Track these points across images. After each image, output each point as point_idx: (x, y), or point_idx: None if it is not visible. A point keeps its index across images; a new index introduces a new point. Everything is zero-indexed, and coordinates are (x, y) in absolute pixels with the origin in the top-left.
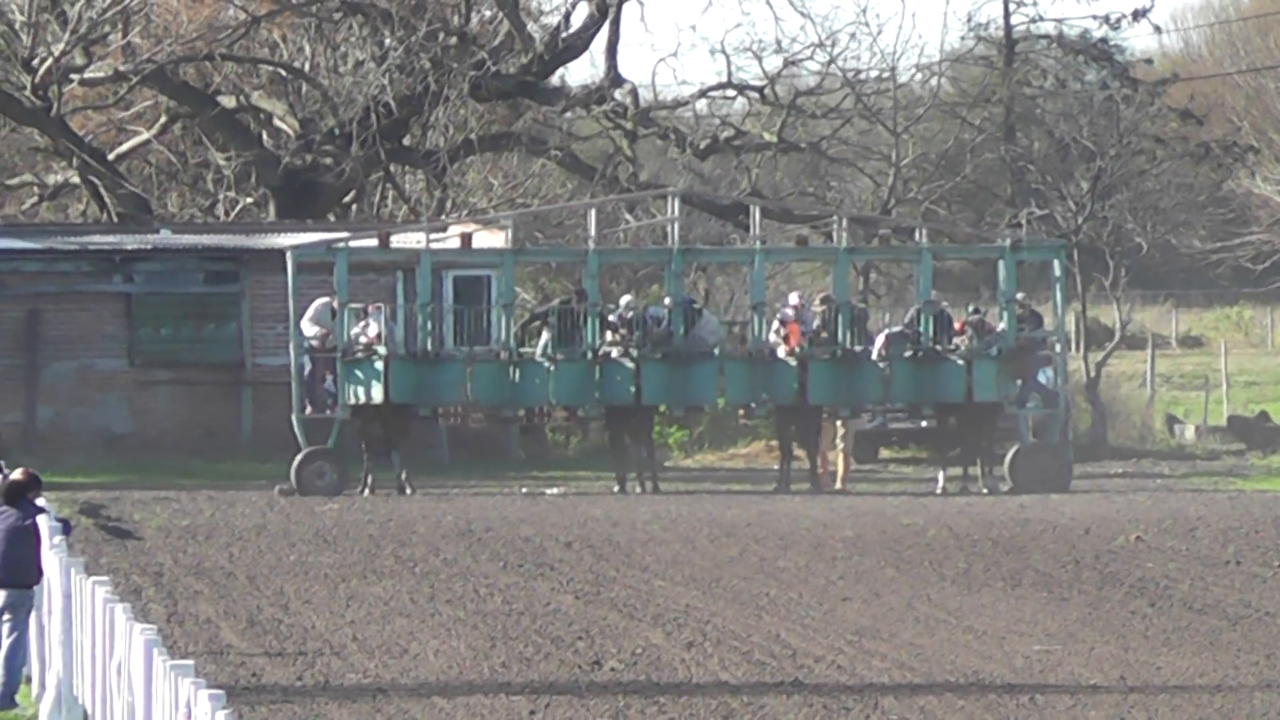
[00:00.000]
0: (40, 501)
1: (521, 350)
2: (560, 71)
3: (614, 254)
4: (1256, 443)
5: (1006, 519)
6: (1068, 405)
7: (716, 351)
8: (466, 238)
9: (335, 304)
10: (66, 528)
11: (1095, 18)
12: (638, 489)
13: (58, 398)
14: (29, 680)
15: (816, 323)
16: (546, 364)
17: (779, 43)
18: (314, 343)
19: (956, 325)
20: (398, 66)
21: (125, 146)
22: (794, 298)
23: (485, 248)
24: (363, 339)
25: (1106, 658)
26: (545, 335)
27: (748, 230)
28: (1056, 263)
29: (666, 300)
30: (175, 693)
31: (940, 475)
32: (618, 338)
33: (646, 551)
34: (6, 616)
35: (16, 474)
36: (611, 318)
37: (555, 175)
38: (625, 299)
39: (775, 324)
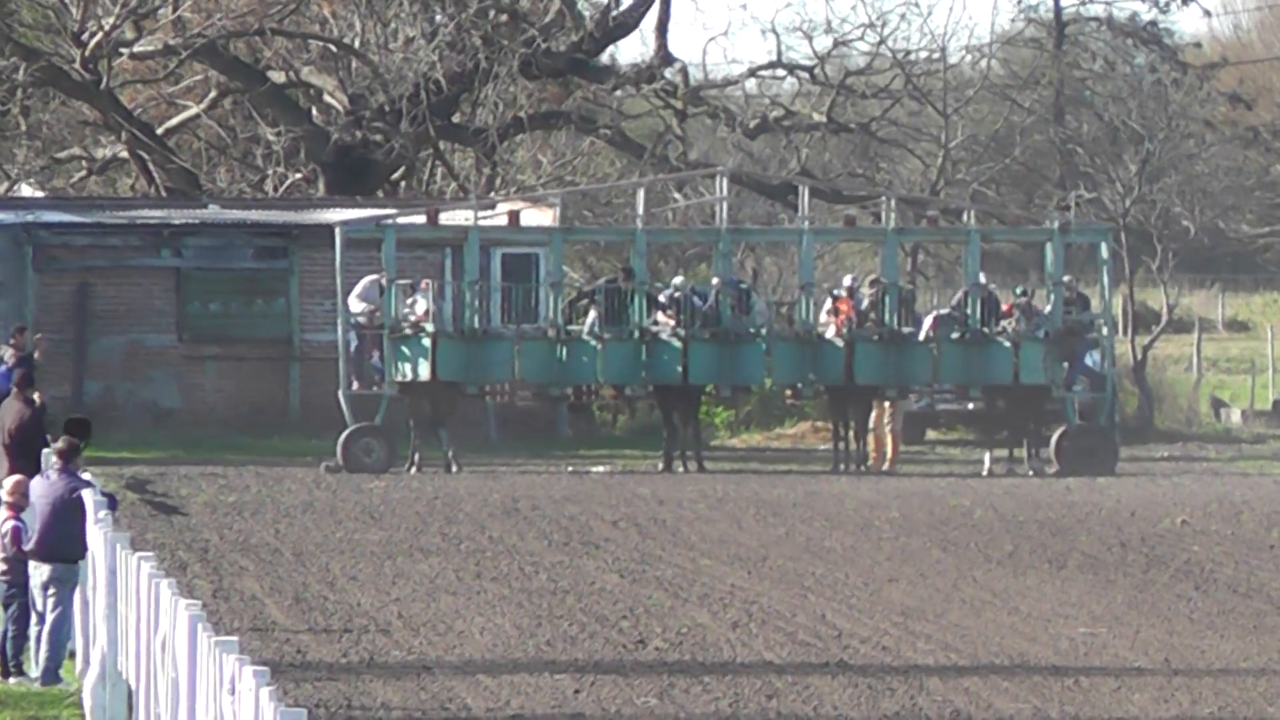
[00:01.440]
0: (86, 475)
1: (569, 329)
2: (610, 49)
3: (662, 233)
4: None
5: (1053, 501)
6: (1114, 388)
7: (764, 332)
8: (515, 215)
9: (384, 281)
10: (112, 502)
11: (1145, 0)
12: (682, 468)
13: (106, 372)
14: (72, 655)
15: (865, 304)
16: (594, 343)
17: (829, 22)
18: (361, 319)
19: (1004, 308)
20: (448, 43)
21: (174, 121)
22: (848, 279)
23: (533, 226)
24: (411, 316)
25: (1151, 641)
26: (593, 314)
27: (796, 210)
28: (1104, 246)
29: (714, 280)
30: (219, 669)
31: (987, 457)
32: (669, 318)
33: (693, 530)
34: (51, 591)
35: (60, 444)
36: (662, 298)
37: (604, 154)
38: (677, 279)
39: (827, 304)
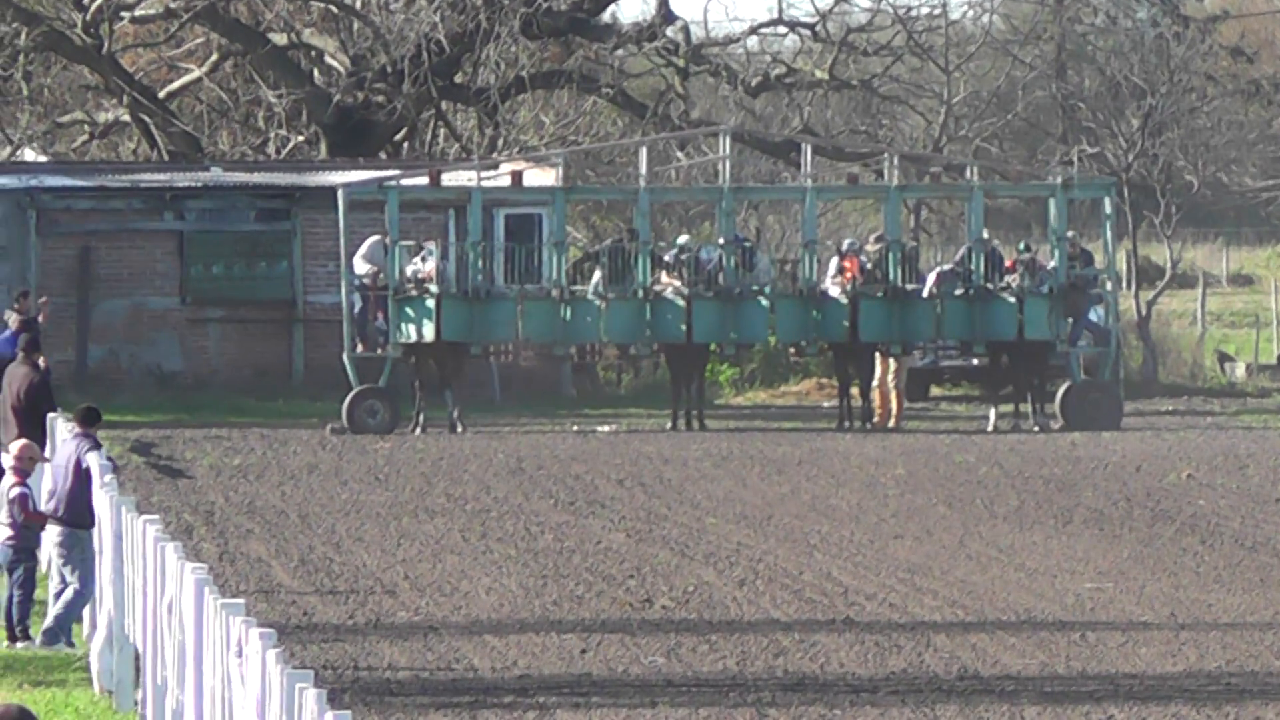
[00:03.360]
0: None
1: (573, 288)
2: (612, 8)
3: (665, 192)
4: None
5: (1058, 457)
6: (1119, 343)
7: (768, 290)
8: (517, 176)
9: (387, 241)
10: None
11: None
12: (685, 427)
13: (109, 336)
14: (79, 620)
15: (870, 265)
16: (598, 302)
17: None
18: (366, 280)
19: (1007, 264)
20: (449, 4)
21: (176, 84)
22: (847, 242)
23: (536, 186)
24: (420, 274)
25: (1157, 595)
26: (598, 274)
27: (799, 168)
28: (1107, 200)
29: (721, 241)
30: (226, 632)
31: (992, 413)
32: (674, 279)
33: (698, 489)
34: (64, 556)
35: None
36: (667, 257)
37: (606, 113)
38: (683, 238)
39: (833, 265)
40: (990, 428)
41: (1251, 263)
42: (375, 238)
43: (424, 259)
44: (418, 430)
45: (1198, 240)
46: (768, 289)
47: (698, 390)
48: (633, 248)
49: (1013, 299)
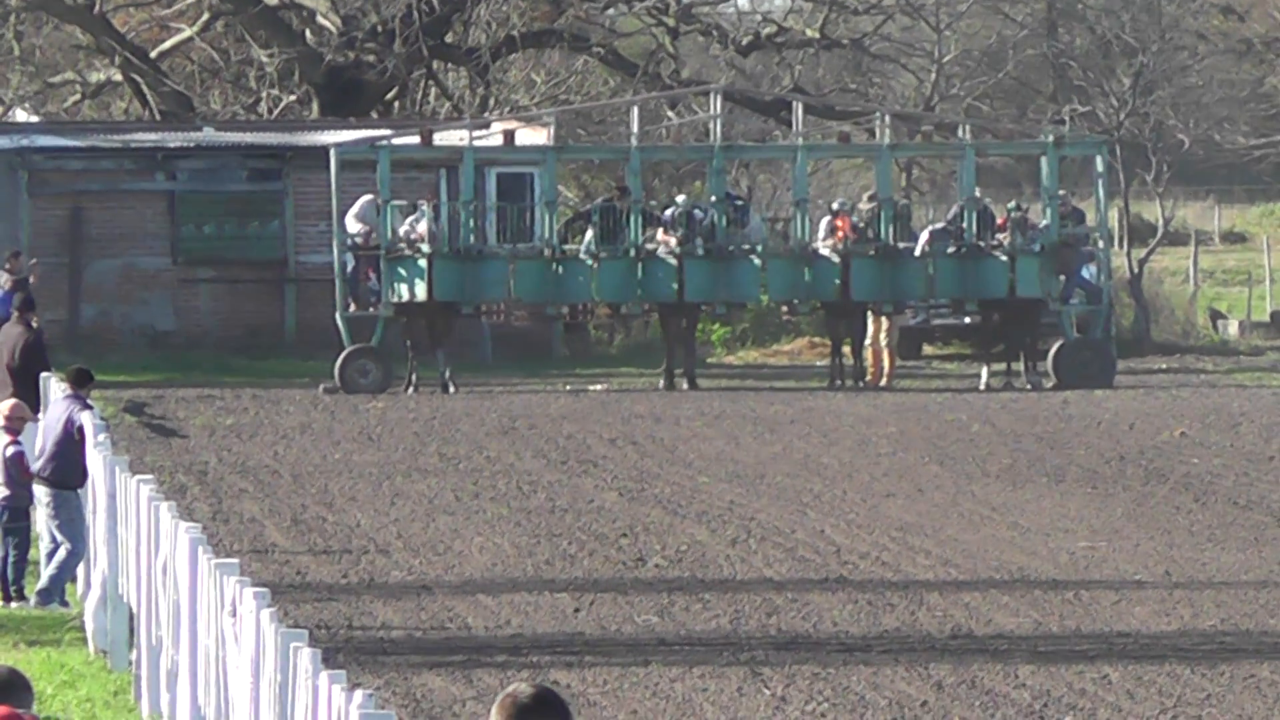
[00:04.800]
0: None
1: (564, 248)
2: None
3: (656, 151)
4: None
5: (1050, 415)
6: (1111, 301)
7: (760, 249)
8: (509, 135)
9: (379, 201)
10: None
11: None
12: (676, 385)
13: (101, 296)
14: (73, 580)
15: (861, 224)
16: (590, 261)
17: None
18: (358, 240)
19: (999, 221)
20: None
21: (167, 44)
22: (837, 202)
23: (528, 145)
24: (413, 234)
25: (1151, 553)
26: (590, 233)
27: (790, 127)
28: (1099, 159)
29: (713, 198)
30: (220, 591)
31: (984, 371)
32: (669, 236)
33: (690, 448)
34: (53, 517)
35: (71, 371)
36: (666, 214)
37: (597, 72)
38: (680, 198)
39: (824, 223)
40: (982, 386)
41: (1243, 220)
42: (368, 197)
43: (418, 220)
44: (410, 390)
45: (1189, 198)
46: (759, 248)
47: (688, 349)
48: (624, 206)
49: (1004, 257)
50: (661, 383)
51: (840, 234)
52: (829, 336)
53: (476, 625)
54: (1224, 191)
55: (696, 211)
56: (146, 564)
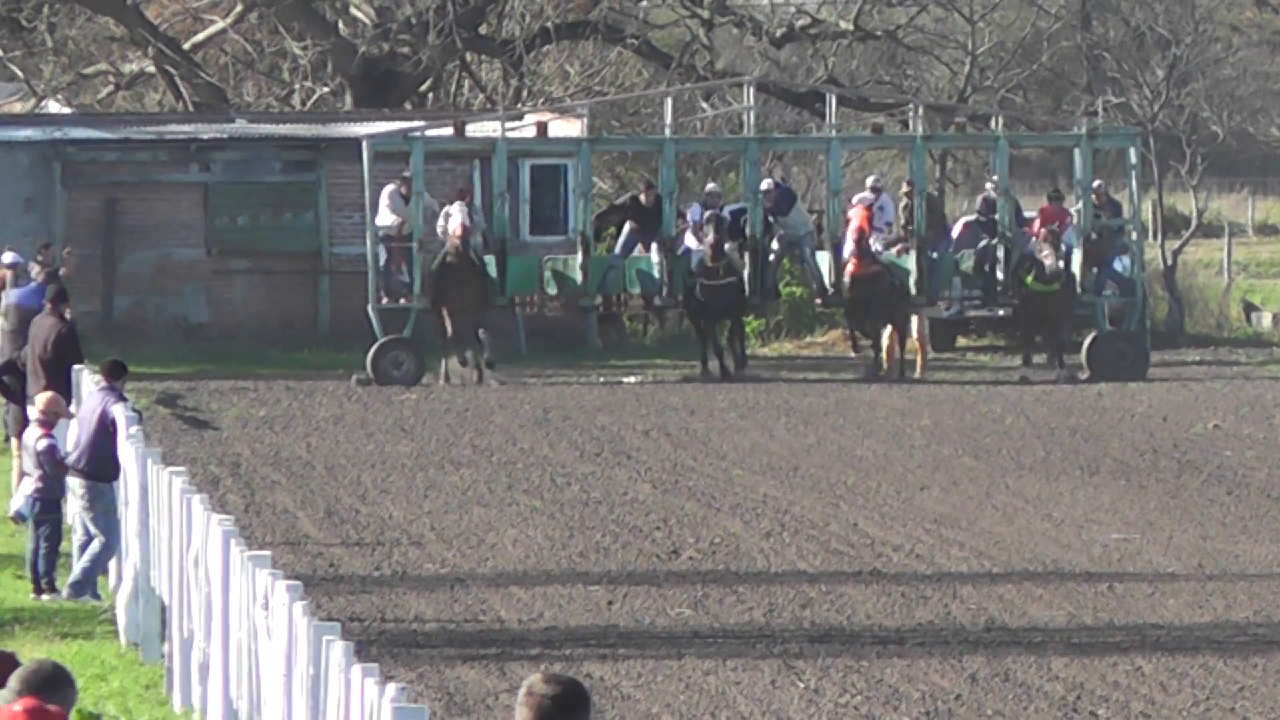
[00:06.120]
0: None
1: (597, 240)
2: None
3: (690, 142)
4: None
5: (1084, 407)
6: (1144, 293)
7: (807, 242)
8: (542, 127)
9: (402, 190)
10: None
11: None
12: (718, 371)
13: (135, 288)
14: (105, 572)
15: (895, 213)
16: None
17: None
18: (390, 232)
19: (1029, 230)
20: None
21: (201, 35)
22: (871, 180)
23: (561, 136)
24: (445, 235)
25: (1185, 545)
26: (628, 227)
27: (824, 118)
28: (1133, 150)
29: (764, 183)
30: (252, 583)
31: (1018, 363)
32: (700, 236)
33: (724, 440)
34: (87, 509)
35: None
36: (690, 214)
37: (631, 64)
38: (710, 185)
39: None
40: (1017, 378)
41: (1277, 212)
42: (390, 186)
43: (449, 216)
44: (443, 381)
45: (1223, 190)
46: (807, 240)
47: (730, 342)
48: (649, 200)
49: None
50: (699, 368)
51: (859, 224)
52: (870, 329)
53: (510, 618)
54: (1258, 183)
55: (725, 214)
56: (179, 556)
